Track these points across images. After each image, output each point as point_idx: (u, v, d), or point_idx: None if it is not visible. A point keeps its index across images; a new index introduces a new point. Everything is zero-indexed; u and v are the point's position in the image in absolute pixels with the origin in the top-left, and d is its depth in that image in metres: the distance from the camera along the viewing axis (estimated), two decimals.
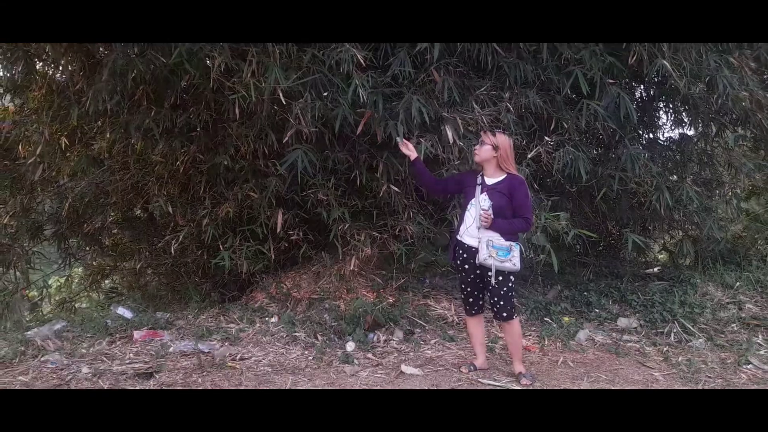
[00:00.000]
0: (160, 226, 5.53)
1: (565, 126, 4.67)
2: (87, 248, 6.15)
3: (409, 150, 3.61)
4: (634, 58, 4.54)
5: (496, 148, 3.28)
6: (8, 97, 4.68)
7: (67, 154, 4.45)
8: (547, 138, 4.41)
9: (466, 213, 3.34)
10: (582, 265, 5.79)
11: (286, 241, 4.71)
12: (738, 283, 5.32)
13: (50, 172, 4.61)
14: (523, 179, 3.38)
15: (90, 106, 3.60)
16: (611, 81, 4.62)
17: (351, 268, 4.63)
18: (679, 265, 6.02)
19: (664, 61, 4.44)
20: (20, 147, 4.98)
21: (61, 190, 4.97)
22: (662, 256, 6.88)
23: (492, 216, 3.15)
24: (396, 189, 4.43)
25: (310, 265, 5.03)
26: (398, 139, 3.77)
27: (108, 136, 4.23)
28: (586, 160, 4.61)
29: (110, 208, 5.03)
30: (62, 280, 6.98)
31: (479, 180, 3.35)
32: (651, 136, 5.73)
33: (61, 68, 4.17)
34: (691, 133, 5.56)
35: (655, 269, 6.00)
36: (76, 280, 6.88)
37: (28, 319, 5.66)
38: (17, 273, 5.88)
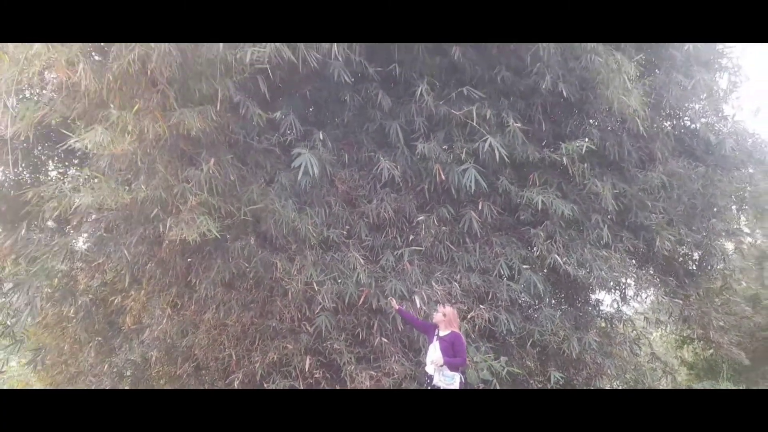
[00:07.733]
0: (220, 373, 7.66)
1: (498, 296, 7.04)
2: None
3: (395, 305, 5.92)
4: (538, 253, 7.07)
5: (444, 314, 5.53)
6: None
7: (170, 321, 6.79)
8: (481, 306, 6.75)
9: (427, 354, 5.49)
10: None
11: (311, 378, 6.82)
12: None
13: (155, 334, 6.90)
14: (460, 334, 5.45)
15: (203, 293, 6.06)
16: (525, 267, 7.09)
17: None
18: None
19: (556, 255, 6.95)
20: (127, 319, 7.38)
21: (155, 345, 7.23)
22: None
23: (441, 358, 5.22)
24: (386, 340, 6.67)
25: None
26: (391, 301, 6.09)
27: (199, 308, 6.61)
28: (512, 320, 6.89)
29: (186, 360, 7.21)
30: None
31: (436, 332, 5.54)
32: (564, 302, 8.07)
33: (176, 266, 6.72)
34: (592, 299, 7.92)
35: None
36: None
37: None
38: None
